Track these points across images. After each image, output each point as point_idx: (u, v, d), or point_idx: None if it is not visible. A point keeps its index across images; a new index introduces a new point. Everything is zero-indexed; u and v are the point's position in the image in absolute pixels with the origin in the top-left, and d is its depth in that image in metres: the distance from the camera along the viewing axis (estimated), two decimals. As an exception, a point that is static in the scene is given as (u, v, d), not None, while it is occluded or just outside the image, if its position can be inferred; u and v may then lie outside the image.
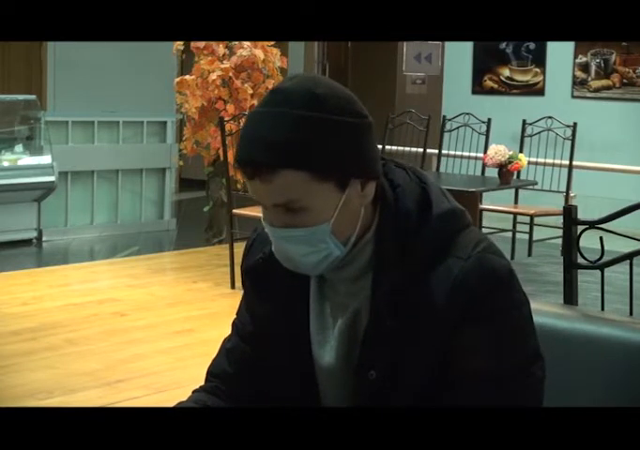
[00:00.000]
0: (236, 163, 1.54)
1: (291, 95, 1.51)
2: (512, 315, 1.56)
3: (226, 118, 7.00)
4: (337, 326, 1.64)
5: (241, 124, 6.89)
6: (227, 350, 1.78)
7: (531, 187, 7.65)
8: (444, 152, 8.50)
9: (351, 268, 1.61)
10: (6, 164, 8.11)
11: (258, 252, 1.71)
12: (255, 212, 6.51)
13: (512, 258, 7.63)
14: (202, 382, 1.81)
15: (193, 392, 1.79)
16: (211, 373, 1.80)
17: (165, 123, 9.09)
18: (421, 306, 1.55)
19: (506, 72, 10.45)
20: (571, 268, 2.66)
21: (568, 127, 7.97)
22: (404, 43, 10.83)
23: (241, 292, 1.81)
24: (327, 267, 1.58)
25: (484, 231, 7.15)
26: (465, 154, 8.42)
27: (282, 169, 1.49)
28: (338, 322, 1.64)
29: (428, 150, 8.34)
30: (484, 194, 7.53)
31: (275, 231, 1.56)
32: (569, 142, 7.93)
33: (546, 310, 1.94)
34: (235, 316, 1.81)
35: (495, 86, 10.51)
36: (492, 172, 7.45)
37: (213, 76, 7.67)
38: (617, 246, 2.79)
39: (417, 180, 1.63)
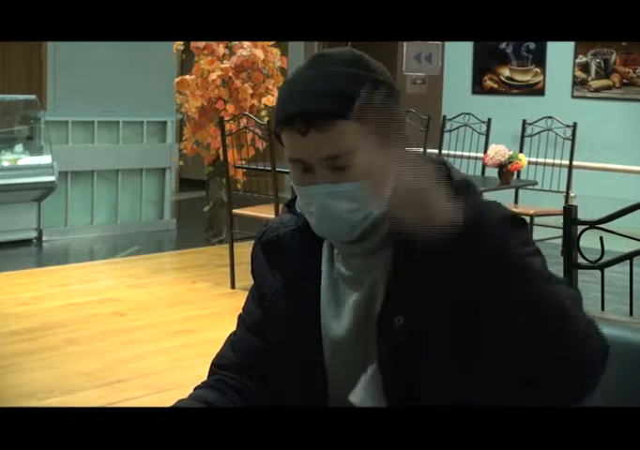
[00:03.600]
0: (283, 120, 1.56)
1: (339, 57, 1.59)
2: (533, 249, 1.59)
3: (226, 118, 7.00)
4: (352, 299, 1.64)
5: (241, 124, 6.90)
6: (233, 341, 1.79)
7: (531, 187, 7.65)
8: (444, 152, 8.50)
9: (370, 241, 1.63)
10: (6, 164, 8.11)
11: (272, 233, 1.74)
12: (255, 212, 6.51)
13: (512, 258, 7.61)
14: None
15: (195, 388, 1.79)
16: (216, 365, 1.80)
17: (165, 123, 9.09)
18: (446, 246, 1.50)
19: (506, 72, 10.45)
20: (571, 268, 2.66)
21: (568, 127, 7.97)
22: (404, 43, 10.83)
23: (242, 293, 1.82)
24: (366, 227, 1.60)
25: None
26: (465, 154, 8.42)
27: (341, 119, 1.53)
28: (353, 296, 1.64)
29: (428, 150, 8.33)
30: (484, 194, 7.50)
31: (322, 187, 1.57)
32: (569, 142, 7.93)
33: (546, 310, 1.94)
34: (235, 319, 1.82)
35: (495, 86, 10.51)
36: (492, 172, 7.46)
37: (213, 76, 7.67)
38: (617, 246, 2.79)
39: (431, 160, 1.66)
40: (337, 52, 1.60)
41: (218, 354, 1.81)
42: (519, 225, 1.62)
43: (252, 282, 1.80)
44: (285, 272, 1.71)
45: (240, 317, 1.81)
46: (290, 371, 1.70)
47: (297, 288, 1.69)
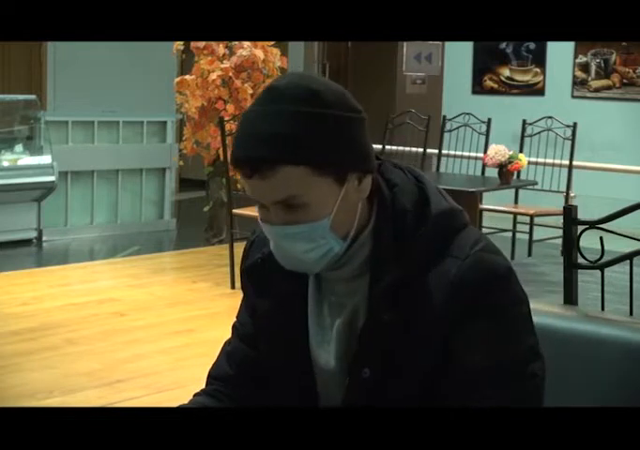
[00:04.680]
0: (232, 162, 1.54)
1: (286, 91, 1.51)
2: (511, 312, 1.56)
3: (226, 118, 7.00)
4: (335, 326, 1.64)
5: (241, 124, 6.89)
6: (228, 352, 1.78)
7: (531, 187, 7.65)
8: (444, 152, 8.50)
9: (348, 267, 1.61)
10: (6, 164, 8.11)
11: (257, 253, 1.71)
12: (255, 212, 6.49)
13: (512, 258, 7.63)
14: (202, 382, 1.81)
15: (194, 395, 1.79)
16: (212, 376, 1.79)
17: (165, 123, 9.09)
18: (419, 303, 1.55)
19: (506, 72, 10.44)
20: (571, 268, 2.66)
21: (568, 127, 7.97)
22: (404, 43, 10.83)
23: (241, 293, 1.81)
24: (327, 264, 1.58)
25: (484, 231, 7.15)
26: (465, 154, 8.42)
27: (282, 165, 1.49)
28: (336, 322, 1.64)
29: (428, 150, 8.33)
30: (484, 194, 7.53)
31: (275, 229, 1.56)
32: (569, 142, 7.93)
33: (546, 310, 1.94)
34: (235, 319, 1.81)
35: (495, 86, 10.51)
36: (492, 172, 7.45)
37: (213, 76, 7.67)
38: (617, 246, 2.79)
39: (414, 180, 1.63)
40: (290, 87, 1.51)
41: (214, 365, 1.81)
42: (505, 280, 1.57)
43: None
44: (272, 295, 1.69)
45: (234, 326, 1.80)
46: (283, 386, 1.69)
47: (285, 310, 1.67)
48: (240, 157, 1.52)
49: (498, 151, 7.07)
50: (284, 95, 1.50)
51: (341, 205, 1.54)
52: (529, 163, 7.53)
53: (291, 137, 1.48)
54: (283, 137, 1.48)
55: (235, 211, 6.70)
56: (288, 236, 1.55)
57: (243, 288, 1.78)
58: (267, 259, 1.67)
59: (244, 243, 1.84)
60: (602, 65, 9.80)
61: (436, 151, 8.53)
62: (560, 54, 9.95)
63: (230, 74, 7.71)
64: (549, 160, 7.89)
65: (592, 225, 2.63)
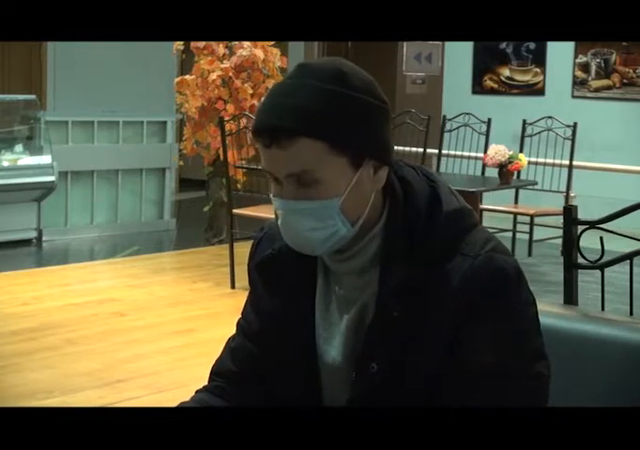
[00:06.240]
0: (253, 131, 1.56)
1: (318, 69, 1.54)
2: (519, 314, 1.57)
3: (226, 118, 7.00)
4: (344, 321, 1.64)
5: (241, 124, 6.90)
6: (232, 349, 1.78)
7: (531, 187, 7.66)
8: (444, 152, 8.51)
9: (358, 260, 1.62)
10: (6, 164, 8.11)
11: (267, 248, 1.72)
12: (255, 212, 6.51)
13: (512, 258, 7.62)
14: (202, 382, 1.81)
15: (196, 392, 1.79)
16: (215, 372, 1.79)
17: (165, 123, 9.09)
18: (428, 301, 1.56)
19: (506, 72, 10.44)
20: (571, 268, 2.66)
21: (568, 127, 7.98)
22: (404, 43, 10.82)
23: (242, 292, 1.82)
24: (332, 246, 1.58)
25: (484, 231, 7.14)
26: (465, 154, 8.42)
27: (302, 136, 1.51)
28: (345, 318, 1.64)
29: (428, 150, 8.33)
30: (484, 194, 7.54)
31: (285, 203, 1.56)
32: (569, 142, 7.93)
33: (546, 310, 1.94)
34: (239, 316, 1.81)
35: (495, 86, 10.51)
36: (492, 172, 7.46)
37: (213, 76, 7.68)
38: (617, 246, 2.79)
39: (426, 179, 1.65)
40: (319, 64, 1.56)
41: (217, 361, 1.81)
42: (514, 281, 1.58)
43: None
44: (281, 291, 1.69)
45: (239, 323, 1.80)
46: (288, 383, 1.69)
47: (292, 306, 1.68)
48: (261, 125, 1.54)
49: (498, 151, 7.08)
50: (314, 71, 1.54)
51: (353, 190, 1.55)
52: (529, 163, 7.53)
53: (313, 110, 1.51)
54: (306, 109, 1.51)
55: (235, 211, 6.69)
56: (297, 212, 1.56)
57: (251, 284, 1.78)
58: (278, 254, 1.68)
59: (244, 243, 1.84)
60: (603, 65, 9.80)
61: (436, 151, 8.53)
62: (560, 54, 9.95)
63: (230, 74, 7.71)
64: (549, 160, 7.89)
65: (592, 225, 2.63)
